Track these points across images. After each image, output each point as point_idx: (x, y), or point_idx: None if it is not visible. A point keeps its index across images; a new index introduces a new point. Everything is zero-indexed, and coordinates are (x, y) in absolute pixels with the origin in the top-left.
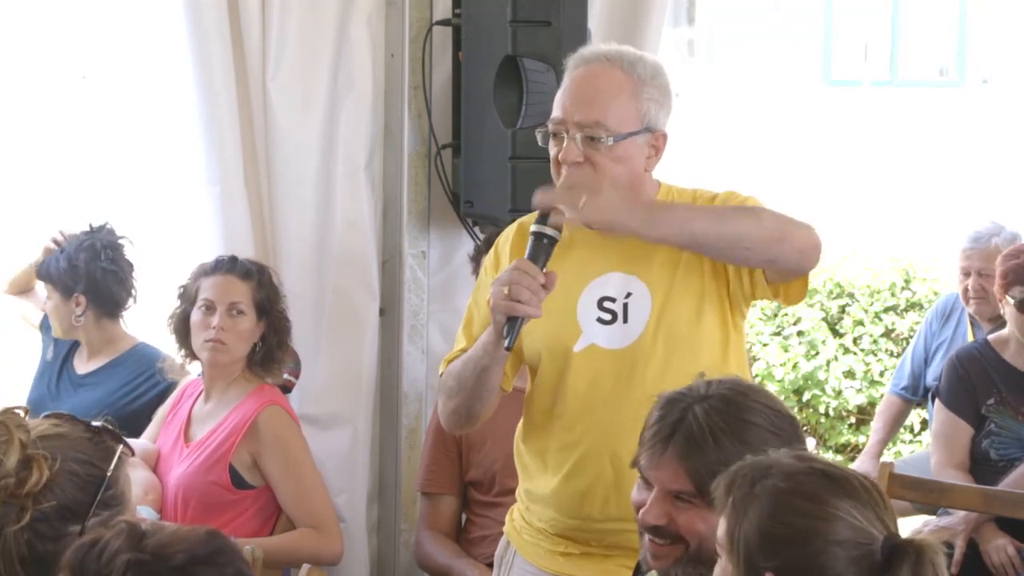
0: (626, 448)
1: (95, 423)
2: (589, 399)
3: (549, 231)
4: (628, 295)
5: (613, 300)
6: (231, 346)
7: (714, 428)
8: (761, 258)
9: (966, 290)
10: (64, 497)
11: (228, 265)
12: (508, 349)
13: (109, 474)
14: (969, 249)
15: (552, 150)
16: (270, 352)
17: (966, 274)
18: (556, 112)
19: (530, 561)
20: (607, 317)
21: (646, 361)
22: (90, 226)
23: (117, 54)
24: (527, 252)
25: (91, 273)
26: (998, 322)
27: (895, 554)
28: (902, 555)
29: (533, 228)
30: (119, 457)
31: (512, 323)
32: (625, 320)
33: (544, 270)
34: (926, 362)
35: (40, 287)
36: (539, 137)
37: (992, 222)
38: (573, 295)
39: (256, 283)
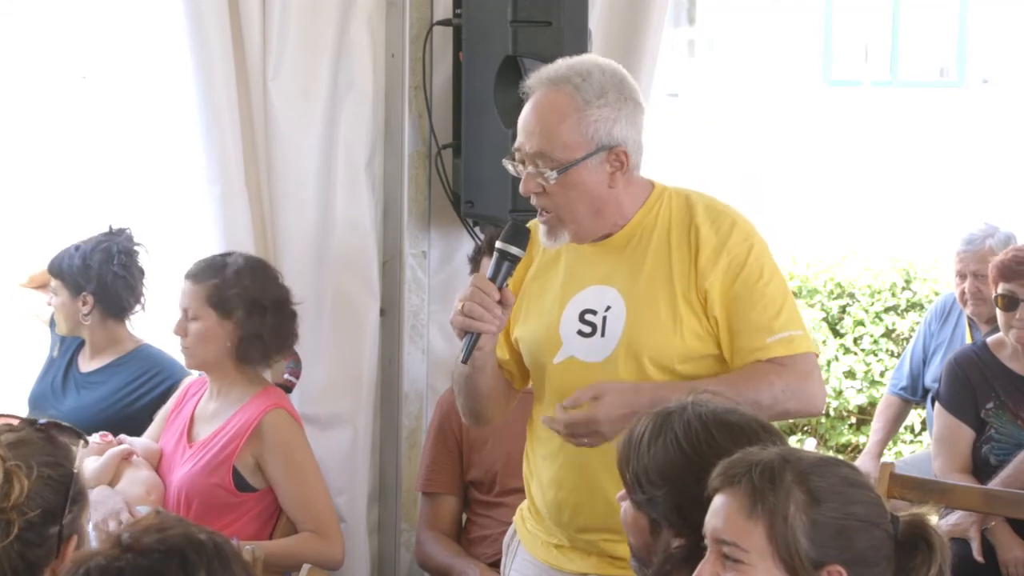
0: (600, 462)
1: (41, 421)
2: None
3: (513, 250)
4: (608, 308)
5: (594, 313)
6: (192, 349)
7: (645, 434)
8: None
9: (963, 293)
10: (43, 502)
11: (190, 269)
12: (463, 362)
13: (76, 471)
14: (963, 252)
15: None
16: (247, 350)
17: (962, 277)
18: (516, 142)
19: (529, 551)
20: (587, 330)
21: (621, 375)
22: (110, 228)
23: (117, 54)
24: (489, 269)
25: (102, 275)
26: (996, 323)
27: (918, 531)
28: (925, 529)
29: (497, 245)
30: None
31: (468, 339)
32: (603, 334)
33: (503, 287)
34: (924, 362)
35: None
36: (510, 168)
37: (986, 223)
38: (558, 307)
39: (209, 284)
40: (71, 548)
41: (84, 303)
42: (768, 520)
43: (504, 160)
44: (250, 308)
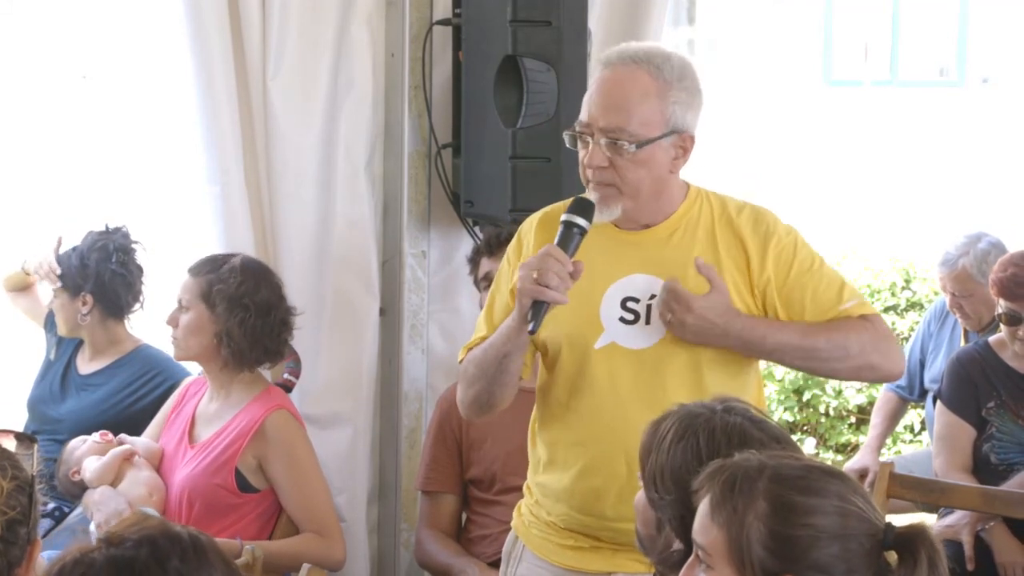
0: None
1: None
2: (607, 397)
3: (580, 221)
4: (652, 297)
5: (637, 301)
6: (180, 340)
7: (669, 433)
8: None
9: (950, 304)
10: (17, 504)
11: (192, 264)
12: (532, 333)
13: (34, 474)
14: (940, 271)
15: (580, 152)
16: (223, 347)
17: (944, 291)
18: (582, 115)
19: (539, 555)
20: (630, 317)
21: (667, 363)
22: (106, 226)
23: (117, 54)
24: (557, 240)
25: (100, 274)
26: (987, 330)
27: (906, 542)
28: (914, 542)
29: (564, 217)
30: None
31: (538, 308)
32: (647, 321)
33: (572, 259)
34: (921, 364)
35: (41, 286)
36: (567, 139)
37: (966, 236)
38: (597, 293)
39: (204, 277)
40: (35, 552)
41: (84, 303)
42: (727, 526)
43: (565, 132)
44: (231, 305)
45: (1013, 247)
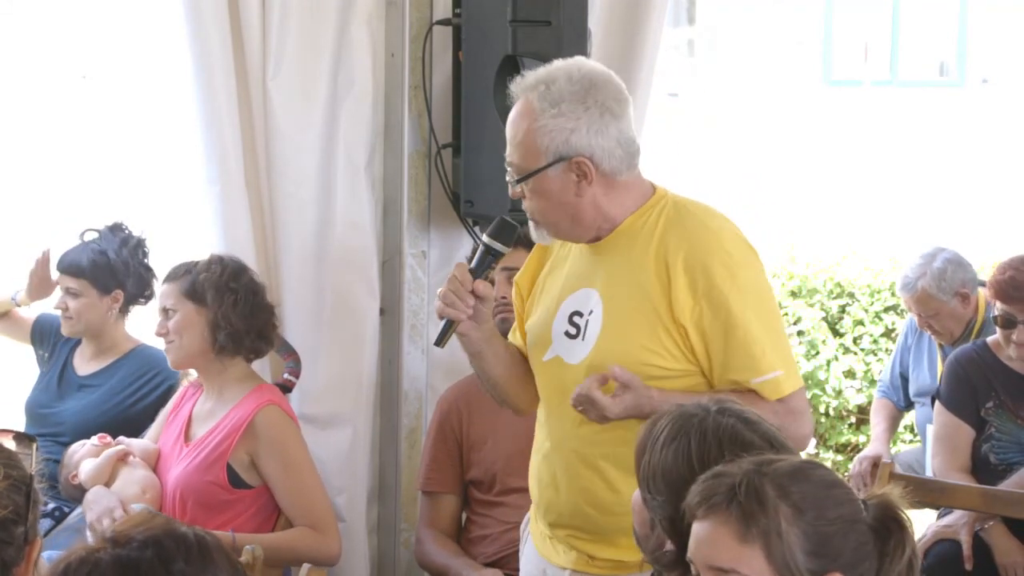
0: (567, 460)
1: None
2: (550, 408)
3: (496, 245)
4: (591, 312)
5: (581, 315)
6: (176, 341)
7: (663, 434)
8: None
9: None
10: (11, 502)
11: (167, 273)
12: (437, 345)
13: (33, 473)
14: (902, 295)
15: None
16: (219, 334)
17: (911, 312)
18: None
19: (532, 542)
20: (573, 331)
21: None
22: (115, 224)
23: (117, 54)
24: (473, 260)
25: (135, 269)
26: (959, 342)
27: (881, 513)
28: (887, 511)
29: (484, 238)
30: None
31: (444, 323)
32: (583, 337)
33: (480, 279)
34: (903, 376)
35: (20, 309)
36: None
37: (921, 256)
38: (555, 306)
39: (182, 278)
40: (35, 552)
41: (115, 300)
42: (763, 541)
43: (506, 162)
44: (219, 290)
45: (1011, 250)
